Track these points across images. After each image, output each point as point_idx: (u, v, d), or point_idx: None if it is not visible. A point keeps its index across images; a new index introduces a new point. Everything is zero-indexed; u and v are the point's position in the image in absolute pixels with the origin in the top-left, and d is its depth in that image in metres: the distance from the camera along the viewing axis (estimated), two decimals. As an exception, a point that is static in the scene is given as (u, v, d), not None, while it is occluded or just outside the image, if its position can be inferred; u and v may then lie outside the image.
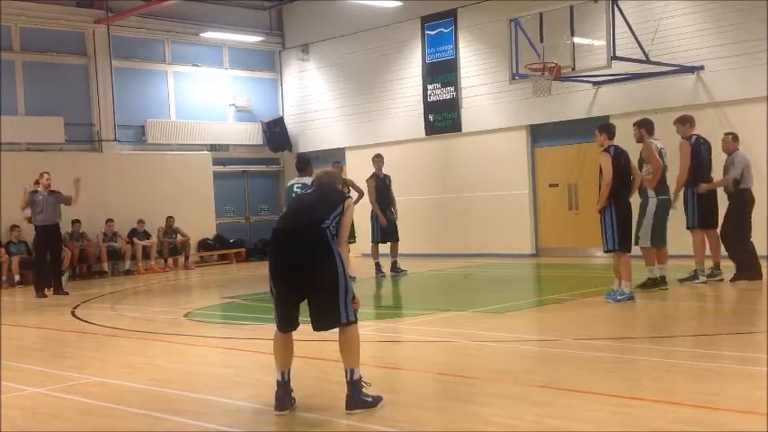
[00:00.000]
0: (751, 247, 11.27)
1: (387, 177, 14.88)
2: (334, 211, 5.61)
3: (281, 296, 5.62)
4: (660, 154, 10.61)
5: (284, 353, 5.67)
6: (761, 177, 13.00)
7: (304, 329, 5.75)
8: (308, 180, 11.93)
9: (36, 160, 17.22)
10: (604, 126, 10.42)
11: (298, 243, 5.49)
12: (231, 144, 21.83)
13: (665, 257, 10.81)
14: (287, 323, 5.65)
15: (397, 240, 14.95)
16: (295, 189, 11.65)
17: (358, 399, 5.47)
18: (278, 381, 5.61)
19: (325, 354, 7.06)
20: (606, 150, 9.98)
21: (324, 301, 5.50)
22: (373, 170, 14.85)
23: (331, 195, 5.82)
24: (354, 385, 5.48)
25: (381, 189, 14.70)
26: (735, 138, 11.50)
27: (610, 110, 15.97)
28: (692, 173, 11.06)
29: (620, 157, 9.95)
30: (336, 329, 5.57)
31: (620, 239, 9.89)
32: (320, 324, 5.60)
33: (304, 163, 11.80)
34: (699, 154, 11.16)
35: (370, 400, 5.51)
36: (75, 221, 17.92)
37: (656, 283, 10.65)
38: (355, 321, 5.58)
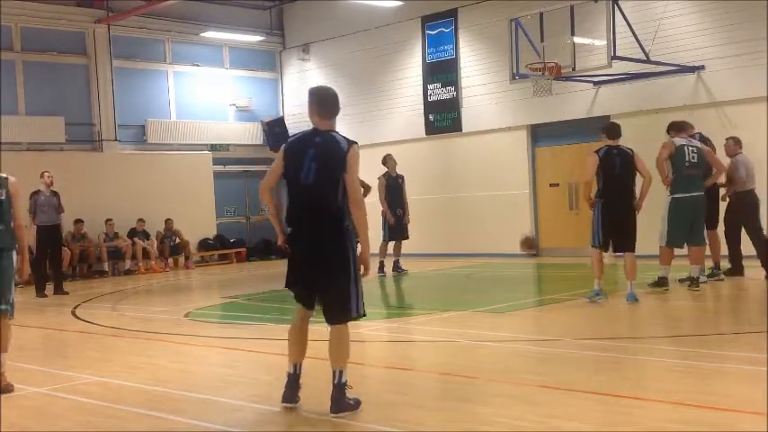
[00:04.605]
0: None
1: (399, 177, 14.94)
2: (341, 172, 5.48)
3: (296, 275, 5.55)
4: (681, 152, 10.41)
5: (298, 345, 5.60)
6: (761, 177, 12.99)
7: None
8: None
9: (37, 160, 17.20)
10: (605, 126, 10.45)
11: (313, 237, 5.45)
12: (231, 144, 21.84)
13: (670, 258, 10.63)
14: (307, 301, 5.58)
15: (404, 239, 15.00)
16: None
17: (343, 402, 5.41)
18: (289, 373, 5.56)
19: (325, 353, 7.04)
20: (596, 151, 10.02)
21: (337, 294, 5.47)
22: (385, 169, 14.90)
23: (334, 151, 5.70)
24: (341, 388, 5.42)
25: (393, 188, 14.76)
26: (736, 142, 11.66)
27: (610, 110, 15.97)
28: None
29: (612, 159, 9.88)
30: (328, 328, 5.55)
31: (601, 237, 9.91)
32: (334, 316, 5.51)
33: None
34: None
35: (352, 402, 5.46)
36: (78, 221, 17.92)
37: (661, 283, 10.57)
38: (362, 316, 5.63)
